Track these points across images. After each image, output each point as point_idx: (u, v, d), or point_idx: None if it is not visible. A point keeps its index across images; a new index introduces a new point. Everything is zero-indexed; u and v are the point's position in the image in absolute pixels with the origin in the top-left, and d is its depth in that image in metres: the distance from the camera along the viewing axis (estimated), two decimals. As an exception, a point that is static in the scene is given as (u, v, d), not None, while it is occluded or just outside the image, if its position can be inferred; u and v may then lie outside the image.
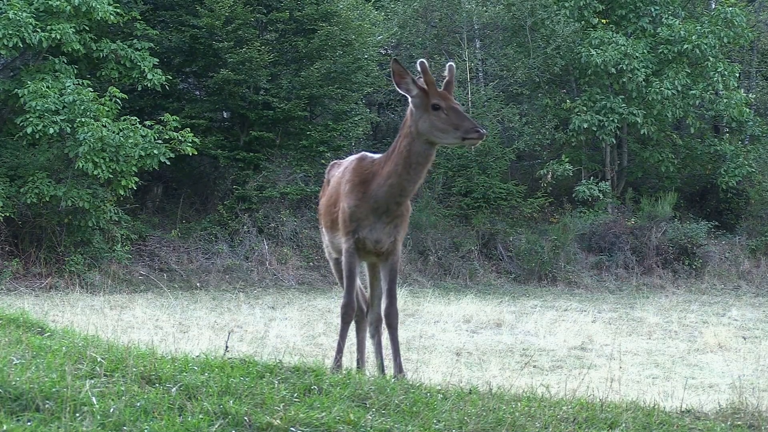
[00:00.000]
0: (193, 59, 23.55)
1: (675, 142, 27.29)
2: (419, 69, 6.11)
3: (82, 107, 18.66)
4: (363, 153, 6.69)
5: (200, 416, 4.40)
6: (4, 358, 4.89)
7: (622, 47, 24.92)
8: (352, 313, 6.46)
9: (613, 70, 25.02)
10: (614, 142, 26.31)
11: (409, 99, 6.16)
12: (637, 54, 25.06)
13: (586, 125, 25.06)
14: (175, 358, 5.52)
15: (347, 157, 7.06)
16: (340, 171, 6.65)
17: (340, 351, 6.51)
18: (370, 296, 6.83)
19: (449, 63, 6.33)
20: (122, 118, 19.36)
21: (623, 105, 25.24)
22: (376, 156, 6.48)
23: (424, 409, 5.01)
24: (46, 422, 4.15)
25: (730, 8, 26.01)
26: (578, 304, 19.71)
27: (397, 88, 6.20)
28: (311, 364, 5.64)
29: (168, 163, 19.52)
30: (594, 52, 24.84)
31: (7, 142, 20.23)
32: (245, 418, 4.46)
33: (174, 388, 4.71)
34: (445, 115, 6.04)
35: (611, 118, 25.19)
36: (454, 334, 14.68)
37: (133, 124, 19.15)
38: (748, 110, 26.84)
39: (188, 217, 22.93)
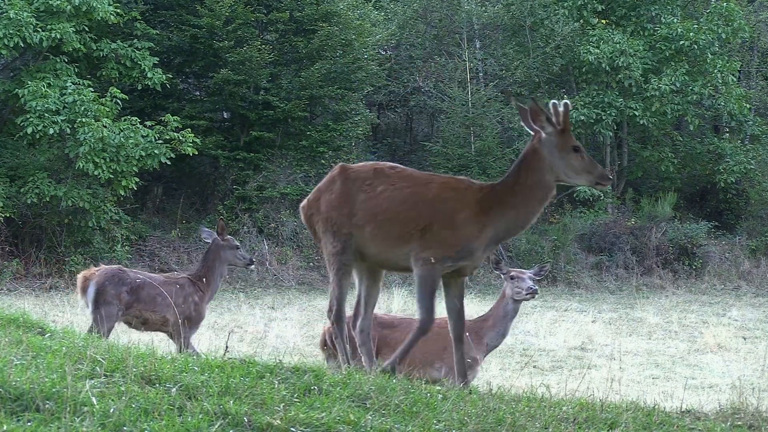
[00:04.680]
0: (194, 59, 23.55)
1: (675, 139, 27.30)
2: (561, 109, 6.20)
3: (83, 107, 18.65)
4: (463, 178, 6.49)
5: (200, 416, 4.40)
6: (4, 359, 4.89)
7: (618, 44, 24.93)
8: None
9: (608, 68, 25.02)
10: (612, 137, 26.31)
11: (542, 135, 6.22)
12: (633, 51, 25.06)
13: (583, 118, 25.05)
14: (175, 358, 5.52)
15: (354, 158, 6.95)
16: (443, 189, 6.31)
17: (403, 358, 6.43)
18: (365, 304, 6.70)
19: (564, 101, 6.32)
20: (123, 119, 19.36)
21: (620, 99, 25.26)
22: (477, 182, 6.44)
23: (424, 409, 5.01)
24: (46, 422, 4.15)
25: (726, 3, 26.02)
26: (578, 305, 19.72)
27: (530, 124, 6.28)
28: (311, 364, 5.64)
29: (168, 163, 19.52)
30: (590, 48, 24.85)
31: (7, 142, 20.23)
32: (245, 418, 4.46)
33: (174, 388, 4.71)
34: (581, 158, 6.22)
35: (609, 112, 25.20)
36: (454, 334, 14.65)
37: (134, 125, 19.15)
38: (748, 106, 26.84)
39: (188, 217, 22.93)
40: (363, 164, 6.58)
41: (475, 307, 17.11)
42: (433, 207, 6.21)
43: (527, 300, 8.21)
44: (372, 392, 5.12)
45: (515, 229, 6.41)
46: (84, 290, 9.02)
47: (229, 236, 9.62)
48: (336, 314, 6.57)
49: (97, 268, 9.25)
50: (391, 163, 6.61)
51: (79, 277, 9.16)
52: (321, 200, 6.48)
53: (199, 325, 9.20)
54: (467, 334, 7.78)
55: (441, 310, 6.63)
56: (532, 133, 6.29)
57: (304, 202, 6.69)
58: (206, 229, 9.86)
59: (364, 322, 6.64)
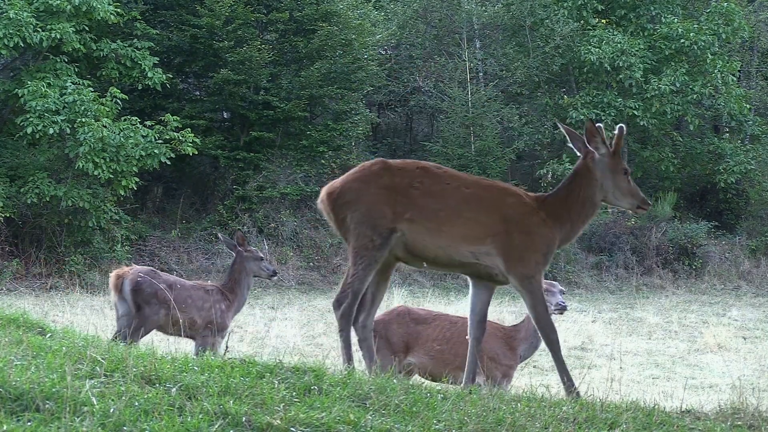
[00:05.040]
0: (194, 59, 23.55)
1: (675, 139, 27.30)
2: (616, 133, 6.51)
3: (83, 107, 18.65)
4: (511, 186, 6.69)
5: (200, 416, 4.40)
6: (4, 359, 4.89)
7: (619, 44, 24.94)
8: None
9: (609, 68, 25.02)
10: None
11: (595, 155, 6.51)
12: (634, 51, 25.07)
13: (582, 118, 25.05)
14: (175, 358, 5.52)
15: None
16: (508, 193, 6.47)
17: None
18: (372, 300, 6.64)
19: (620, 125, 6.64)
20: (123, 119, 19.36)
21: (619, 99, 25.26)
22: (530, 194, 6.63)
23: (424, 409, 5.01)
24: (46, 422, 4.15)
25: (726, 3, 26.03)
26: (578, 304, 19.71)
27: (578, 145, 6.58)
28: (311, 364, 5.64)
29: (168, 163, 19.53)
30: (591, 48, 24.86)
31: (7, 142, 20.23)
32: (245, 418, 4.46)
33: (174, 388, 4.71)
34: (628, 181, 6.61)
35: (608, 112, 25.21)
36: (454, 334, 14.65)
37: (134, 124, 19.15)
38: (748, 106, 26.84)
39: (188, 217, 22.93)
40: (403, 161, 6.61)
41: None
42: (501, 212, 6.35)
43: (555, 314, 8.01)
44: (372, 392, 5.12)
45: (563, 242, 6.64)
46: (118, 288, 8.91)
47: (252, 248, 9.62)
48: (348, 308, 6.39)
49: (129, 267, 9.19)
50: (431, 162, 6.69)
51: (112, 275, 9.06)
52: (360, 191, 6.35)
53: (223, 333, 9.16)
54: (502, 341, 7.90)
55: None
56: (578, 153, 6.57)
57: (332, 188, 6.48)
58: (226, 238, 9.82)
59: (368, 319, 6.59)
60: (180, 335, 9.06)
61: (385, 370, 7.74)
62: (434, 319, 8.23)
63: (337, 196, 6.42)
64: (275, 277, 9.82)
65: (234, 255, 9.50)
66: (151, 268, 9.49)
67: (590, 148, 6.52)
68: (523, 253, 6.31)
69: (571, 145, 6.62)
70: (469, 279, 6.59)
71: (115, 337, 8.42)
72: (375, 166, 6.44)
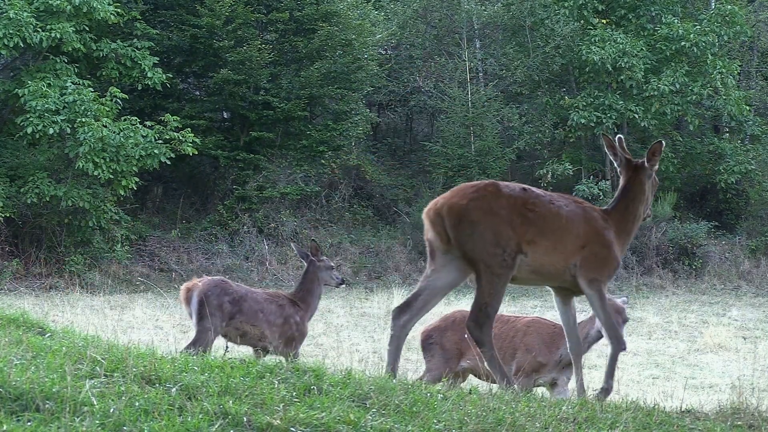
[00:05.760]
0: (194, 59, 23.55)
1: (675, 139, 27.29)
2: (653, 147, 6.86)
3: (83, 107, 18.66)
4: (587, 202, 7.03)
5: (200, 416, 4.40)
6: (4, 358, 4.89)
7: (621, 45, 24.94)
8: None
9: (611, 68, 25.02)
10: (612, 137, 26.32)
11: (650, 171, 6.88)
12: (635, 52, 25.07)
13: (584, 121, 25.05)
14: (175, 358, 5.52)
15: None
16: (574, 209, 6.71)
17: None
18: (423, 305, 6.56)
19: (660, 140, 7.04)
20: (123, 118, 19.37)
21: (621, 102, 25.26)
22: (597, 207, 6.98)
23: (424, 409, 5.01)
24: (46, 422, 4.15)
25: (730, 6, 26.03)
26: (578, 304, 19.67)
27: (618, 158, 6.92)
28: (311, 364, 5.64)
29: (168, 163, 19.53)
30: (593, 49, 24.85)
31: (7, 142, 20.23)
32: (245, 418, 4.46)
33: (174, 388, 4.71)
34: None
35: (609, 115, 25.20)
36: (454, 334, 14.64)
37: (134, 124, 19.16)
38: (748, 107, 26.84)
39: (188, 217, 22.94)
40: (508, 183, 6.77)
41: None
42: (590, 226, 6.65)
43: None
44: (372, 392, 5.12)
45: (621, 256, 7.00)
46: (187, 301, 8.96)
47: (324, 257, 9.63)
48: (489, 329, 6.44)
49: (199, 279, 9.18)
50: (519, 183, 6.96)
51: (182, 288, 9.07)
52: (485, 212, 6.41)
53: (302, 342, 9.18)
54: (545, 337, 8.03)
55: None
56: (618, 167, 6.90)
57: (455, 205, 6.45)
58: (299, 248, 9.80)
59: (411, 323, 6.56)
60: (250, 346, 9.06)
61: (436, 379, 7.91)
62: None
63: (462, 213, 6.43)
64: (342, 285, 9.86)
65: (306, 264, 9.47)
66: (222, 278, 9.43)
67: (647, 164, 6.84)
68: (601, 265, 6.65)
69: (611, 158, 6.96)
70: (555, 296, 6.94)
71: (189, 348, 8.39)
72: (491, 188, 6.56)
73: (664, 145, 6.94)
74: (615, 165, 6.98)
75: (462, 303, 18.11)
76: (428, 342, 8.58)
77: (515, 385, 6.43)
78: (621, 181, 6.92)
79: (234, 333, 8.92)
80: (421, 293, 6.54)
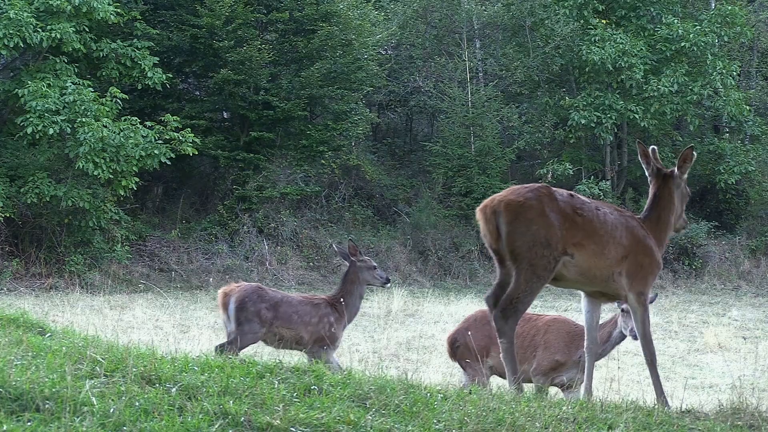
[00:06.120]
0: (194, 59, 23.54)
1: (675, 139, 27.29)
2: (684, 154, 7.06)
3: (83, 107, 18.66)
4: (626, 211, 7.12)
5: (200, 416, 4.40)
6: (4, 358, 4.89)
7: (621, 45, 24.94)
8: None
9: (611, 68, 25.02)
10: (612, 139, 26.32)
11: (680, 180, 7.07)
12: (635, 52, 25.07)
13: (584, 121, 25.05)
14: (175, 358, 5.52)
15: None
16: (618, 218, 6.82)
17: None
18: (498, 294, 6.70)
19: (691, 145, 7.23)
20: (123, 119, 19.37)
21: (621, 102, 25.26)
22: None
23: (424, 409, 5.01)
24: (46, 422, 4.15)
25: (730, 6, 26.03)
26: (578, 304, 19.68)
27: (652, 167, 7.08)
28: (311, 364, 5.64)
29: (168, 163, 19.54)
30: (593, 49, 24.85)
31: (7, 142, 20.23)
32: (245, 418, 4.46)
33: (174, 388, 4.71)
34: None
35: (609, 115, 25.21)
36: (454, 335, 14.64)
37: (134, 125, 19.16)
38: (748, 108, 26.83)
39: (188, 217, 22.93)
40: (557, 189, 6.84)
41: (474, 307, 17.13)
42: (631, 234, 6.76)
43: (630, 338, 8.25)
44: (372, 392, 5.12)
45: None
46: (225, 306, 8.96)
47: (365, 257, 9.56)
48: (515, 322, 6.54)
49: (237, 284, 9.17)
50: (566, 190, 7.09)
51: (220, 293, 9.06)
52: (540, 212, 6.51)
53: (335, 345, 9.10)
54: (566, 336, 8.09)
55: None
56: (647, 174, 7.04)
57: (512, 202, 6.55)
58: (339, 248, 9.71)
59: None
60: (287, 349, 9.06)
61: (474, 380, 7.97)
62: None
63: (518, 211, 6.52)
64: (388, 284, 9.77)
65: (348, 265, 9.40)
66: (258, 284, 9.40)
67: (677, 171, 7.02)
68: (645, 273, 6.78)
69: (644, 166, 7.06)
70: (585, 297, 6.98)
71: (221, 349, 8.38)
72: (545, 190, 6.67)
73: (695, 153, 7.05)
74: (646, 174, 7.06)
75: (462, 303, 18.12)
76: (455, 346, 8.60)
77: (523, 389, 6.50)
78: (650, 190, 7.05)
79: (272, 338, 8.92)
80: (503, 284, 6.65)
